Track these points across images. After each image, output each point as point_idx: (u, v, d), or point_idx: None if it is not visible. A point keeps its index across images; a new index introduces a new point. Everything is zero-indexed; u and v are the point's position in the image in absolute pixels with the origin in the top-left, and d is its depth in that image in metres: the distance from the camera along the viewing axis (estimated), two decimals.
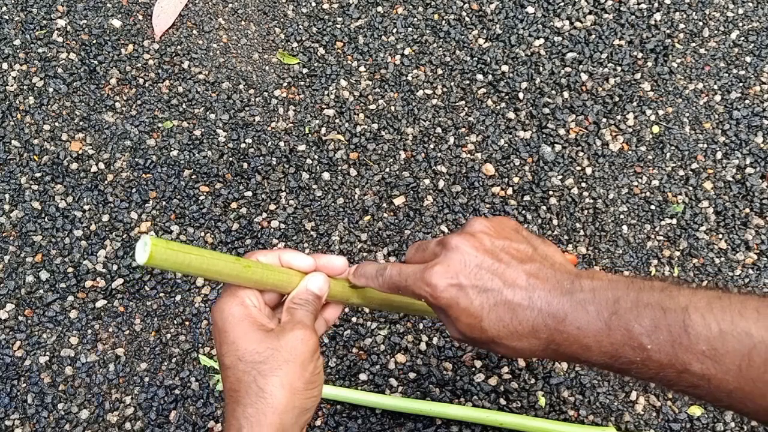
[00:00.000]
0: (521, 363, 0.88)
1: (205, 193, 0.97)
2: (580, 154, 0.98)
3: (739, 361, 0.37)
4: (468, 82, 1.02)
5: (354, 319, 0.91)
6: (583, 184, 0.97)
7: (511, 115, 1.00)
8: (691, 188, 0.96)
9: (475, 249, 0.47)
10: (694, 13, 1.05)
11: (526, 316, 0.44)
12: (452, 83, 1.02)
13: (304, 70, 1.04)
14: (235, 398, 0.47)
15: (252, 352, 0.47)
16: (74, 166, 0.98)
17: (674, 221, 0.95)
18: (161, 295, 0.92)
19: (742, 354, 0.37)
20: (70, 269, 0.93)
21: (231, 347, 0.48)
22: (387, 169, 0.98)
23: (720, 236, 0.94)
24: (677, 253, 0.93)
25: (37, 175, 0.98)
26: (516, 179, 0.97)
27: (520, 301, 0.45)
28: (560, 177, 0.97)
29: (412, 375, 0.89)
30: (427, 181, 0.97)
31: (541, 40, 1.04)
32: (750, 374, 0.37)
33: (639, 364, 0.41)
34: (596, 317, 0.42)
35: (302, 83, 1.03)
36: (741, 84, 1.01)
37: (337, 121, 1.01)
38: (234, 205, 0.97)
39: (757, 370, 0.37)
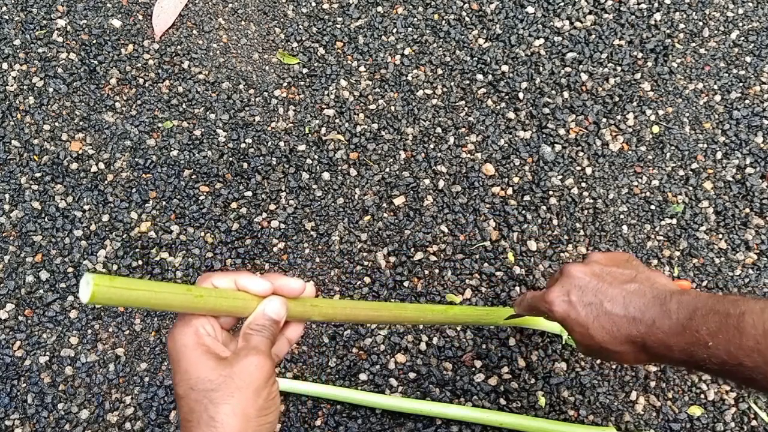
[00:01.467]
0: (521, 363, 0.88)
1: (205, 193, 0.97)
2: (580, 154, 0.98)
3: None
4: (468, 82, 1.02)
5: None
6: (583, 184, 0.97)
7: (511, 115, 1.00)
8: (691, 188, 0.96)
9: (584, 273, 0.59)
10: (694, 13, 1.05)
11: (623, 324, 0.55)
12: (452, 83, 1.02)
13: (304, 70, 1.04)
14: (188, 428, 0.47)
15: (204, 380, 0.47)
16: (74, 166, 0.98)
17: (674, 221, 0.95)
18: None
19: None
20: (70, 269, 0.93)
21: (183, 376, 0.47)
22: (387, 169, 0.98)
23: (720, 236, 0.94)
24: (677, 253, 0.93)
25: (37, 175, 0.98)
26: (516, 179, 0.97)
27: (618, 312, 0.55)
28: (560, 177, 0.97)
29: (412, 375, 0.89)
30: (427, 181, 0.97)
31: (541, 40, 1.04)
32: None
33: (707, 360, 0.49)
34: (676, 323, 0.51)
35: (302, 83, 1.03)
36: (741, 84, 1.01)
37: (337, 121, 1.01)
38: (234, 205, 0.97)
39: None
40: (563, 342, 0.89)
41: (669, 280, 0.59)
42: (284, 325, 0.55)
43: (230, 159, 0.99)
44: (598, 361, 0.88)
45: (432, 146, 0.99)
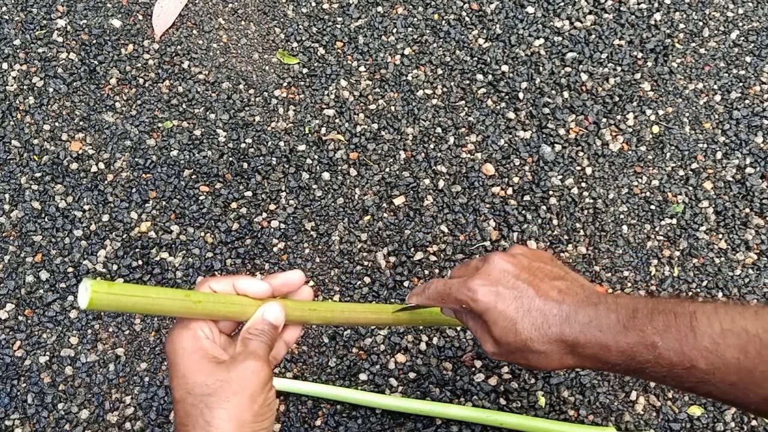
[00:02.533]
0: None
1: (205, 193, 0.97)
2: (580, 154, 0.98)
3: (737, 354, 0.42)
4: (468, 82, 1.02)
5: None
6: (583, 184, 0.97)
7: (511, 115, 1.00)
8: (691, 188, 0.96)
9: (513, 264, 0.54)
10: (694, 13, 1.05)
11: (556, 320, 0.51)
12: (452, 83, 1.02)
13: (304, 70, 1.04)
14: None
15: (201, 384, 0.46)
16: (74, 166, 0.98)
17: (674, 221, 0.95)
18: None
19: (739, 348, 0.42)
20: (70, 269, 0.93)
21: (181, 380, 0.47)
22: (387, 169, 0.98)
23: (720, 236, 0.94)
24: (677, 253, 0.93)
25: (37, 175, 0.98)
26: (516, 179, 0.97)
27: (551, 308, 0.51)
28: (560, 177, 0.97)
29: (412, 375, 0.89)
30: (427, 181, 0.97)
31: (541, 40, 1.04)
32: (746, 365, 0.42)
33: (652, 363, 0.46)
34: (616, 321, 0.48)
35: (302, 83, 1.03)
36: (741, 84, 1.01)
37: (337, 121, 1.01)
38: (234, 205, 0.97)
39: (752, 361, 0.42)
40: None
41: (593, 284, 0.56)
42: (283, 328, 0.55)
43: (230, 159, 0.99)
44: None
45: (432, 146, 0.99)
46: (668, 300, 0.48)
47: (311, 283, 0.93)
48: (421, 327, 0.91)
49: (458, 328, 0.91)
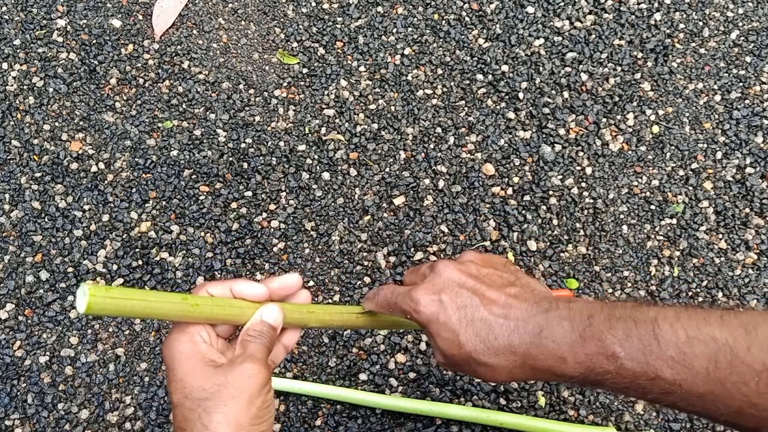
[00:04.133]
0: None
1: (205, 193, 0.97)
2: (580, 154, 0.98)
3: (706, 364, 0.39)
4: (468, 82, 1.02)
5: None
6: (583, 184, 0.97)
7: (511, 115, 1.00)
8: (691, 188, 0.96)
9: (459, 272, 0.51)
10: (694, 13, 1.05)
11: (503, 331, 0.47)
12: (452, 83, 1.02)
13: (304, 70, 1.04)
14: None
15: (198, 388, 0.46)
16: (74, 166, 0.98)
17: (674, 221, 0.95)
18: None
19: (708, 357, 0.39)
20: (70, 269, 0.93)
21: (178, 385, 0.47)
22: (387, 169, 0.98)
23: (720, 236, 0.94)
24: (677, 253, 0.93)
25: (37, 175, 0.98)
26: (516, 179, 0.97)
27: (497, 318, 0.47)
28: (560, 177, 0.97)
29: (412, 375, 0.89)
30: (427, 181, 0.97)
31: (541, 40, 1.04)
32: (717, 376, 0.39)
33: (613, 374, 0.43)
34: (570, 330, 0.45)
35: (302, 83, 1.03)
36: (741, 84, 1.01)
37: (337, 121, 1.01)
38: (234, 205, 0.97)
39: (723, 372, 0.39)
40: None
41: (547, 288, 0.53)
42: (281, 331, 0.55)
43: (230, 159, 0.99)
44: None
45: (432, 146, 0.99)
46: (625, 304, 0.45)
47: (311, 283, 0.93)
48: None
49: None
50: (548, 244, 0.94)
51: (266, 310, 0.52)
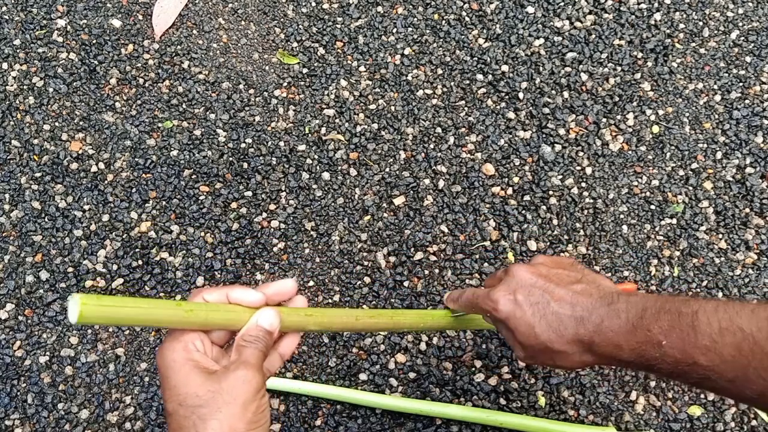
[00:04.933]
0: (521, 363, 0.88)
1: (205, 193, 0.97)
2: (580, 154, 0.98)
3: (733, 351, 0.45)
4: (468, 82, 1.02)
5: None
6: (583, 184, 0.97)
7: (511, 115, 1.00)
8: (691, 188, 0.96)
9: (531, 273, 0.58)
10: (694, 13, 1.05)
11: (571, 323, 0.54)
12: (452, 83, 1.02)
13: (304, 70, 1.04)
14: None
15: (192, 396, 0.46)
16: (74, 166, 0.98)
17: (674, 221, 0.95)
18: (161, 294, 0.92)
19: (734, 346, 0.45)
20: (70, 269, 0.93)
21: (172, 392, 0.47)
22: (387, 169, 0.98)
23: (720, 236, 0.94)
24: (677, 253, 0.93)
25: (37, 175, 0.98)
26: (516, 179, 0.97)
27: (565, 311, 0.55)
28: (560, 177, 0.97)
29: (412, 375, 0.89)
30: (427, 181, 0.97)
31: (541, 40, 1.04)
32: (741, 362, 0.44)
33: (659, 360, 0.49)
34: (626, 321, 0.51)
35: (302, 83, 1.03)
36: (741, 84, 1.01)
37: (337, 121, 1.01)
38: (234, 205, 0.97)
39: (746, 359, 0.44)
40: None
41: (613, 283, 0.59)
42: (278, 339, 0.55)
43: (230, 159, 0.99)
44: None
45: (432, 146, 0.99)
46: (675, 299, 0.50)
47: (311, 283, 0.93)
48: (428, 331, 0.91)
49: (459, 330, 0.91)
50: (548, 244, 0.94)
51: (262, 315, 0.52)
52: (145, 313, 0.47)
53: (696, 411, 0.86)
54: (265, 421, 0.49)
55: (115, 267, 0.93)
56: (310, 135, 1.00)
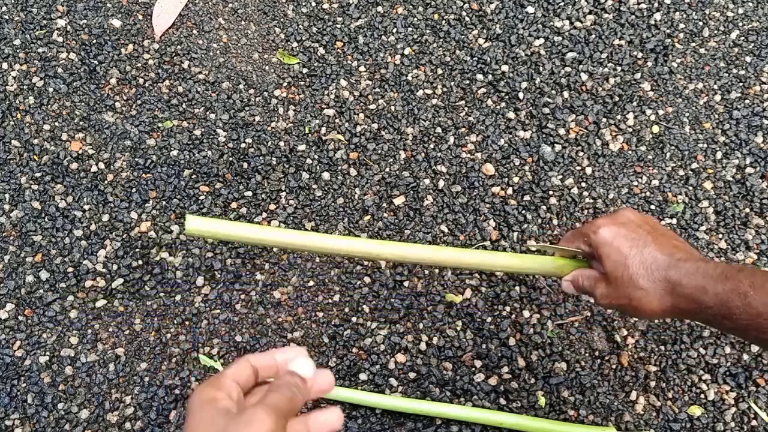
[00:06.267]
0: (521, 363, 0.88)
1: (205, 193, 0.97)
2: (580, 153, 0.98)
3: None
4: (468, 82, 1.02)
5: (354, 319, 0.91)
6: (583, 184, 0.97)
7: (511, 115, 1.00)
8: (691, 188, 0.96)
9: (638, 217, 0.64)
10: (694, 13, 1.05)
11: (664, 265, 0.58)
12: (452, 83, 1.02)
13: (304, 70, 1.04)
14: None
15: None
16: (74, 166, 0.98)
17: (674, 221, 0.95)
18: (161, 294, 0.92)
19: None
20: (70, 269, 0.93)
21: (189, 430, 0.46)
22: (387, 169, 0.98)
23: (720, 236, 0.94)
24: None
25: (37, 175, 0.98)
26: (516, 179, 0.97)
27: (663, 256, 0.59)
28: (560, 177, 0.97)
29: (412, 375, 0.89)
30: (427, 181, 0.97)
31: (541, 40, 1.04)
32: None
33: (739, 309, 0.54)
34: (721, 273, 0.56)
35: (302, 83, 1.03)
36: (741, 84, 1.01)
37: (337, 121, 1.01)
38: (234, 204, 0.97)
39: None
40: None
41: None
42: (315, 407, 0.51)
43: (230, 159, 0.99)
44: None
45: (432, 146, 0.99)
46: (760, 270, 0.56)
47: (311, 283, 0.93)
48: (421, 326, 0.91)
49: (458, 329, 0.91)
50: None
51: (298, 360, 0.49)
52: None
53: (696, 411, 0.86)
54: None
55: (115, 267, 0.93)
56: (310, 135, 1.00)
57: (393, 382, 0.89)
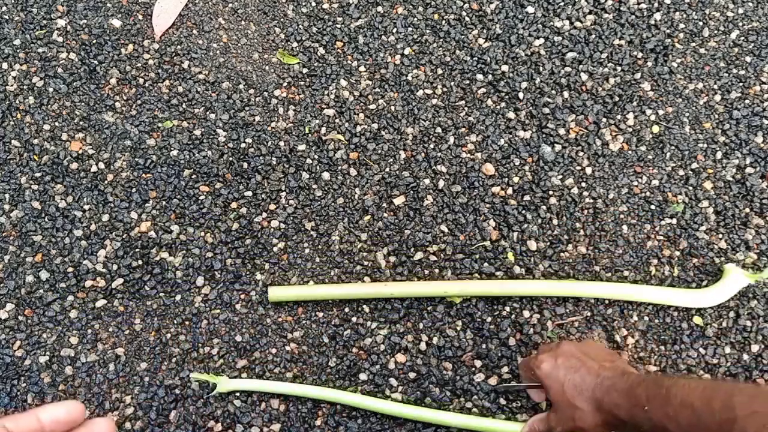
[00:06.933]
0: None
1: (205, 193, 0.97)
2: (580, 153, 0.98)
3: (688, 419, 0.59)
4: (468, 82, 1.02)
5: (354, 319, 0.91)
6: (583, 184, 0.97)
7: (511, 114, 1.00)
8: (691, 188, 0.96)
9: (575, 347, 0.76)
10: (694, 13, 1.05)
11: (590, 385, 0.70)
12: (452, 83, 1.02)
13: (304, 70, 1.04)
14: None
15: None
16: (74, 165, 0.98)
17: (674, 221, 0.95)
18: (161, 294, 0.92)
19: (688, 421, 0.59)
20: (70, 269, 0.93)
21: None
22: (387, 169, 0.98)
23: (720, 236, 0.94)
24: (677, 253, 0.93)
25: (37, 175, 0.98)
26: (516, 179, 0.97)
27: (590, 378, 0.70)
28: (560, 177, 0.97)
29: (412, 375, 0.89)
30: (427, 181, 0.97)
31: (541, 40, 1.04)
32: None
33: (644, 421, 0.62)
34: (628, 387, 0.66)
35: (302, 83, 1.03)
36: (741, 84, 1.01)
37: (337, 120, 1.01)
38: (234, 204, 0.97)
39: (695, 428, 0.58)
40: None
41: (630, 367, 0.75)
42: None
43: (230, 159, 0.99)
44: None
45: (432, 146, 0.99)
46: (666, 377, 0.67)
47: (311, 283, 0.93)
48: (421, 326, 0.91)
49: (458, 329, 0.91)
50: (548, 243, 0.94)
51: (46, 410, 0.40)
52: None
53: None
54: None
55: (115, 267, 0.93)
56: (310, 135, 1.00)
57: (393, 382, 0.89)
